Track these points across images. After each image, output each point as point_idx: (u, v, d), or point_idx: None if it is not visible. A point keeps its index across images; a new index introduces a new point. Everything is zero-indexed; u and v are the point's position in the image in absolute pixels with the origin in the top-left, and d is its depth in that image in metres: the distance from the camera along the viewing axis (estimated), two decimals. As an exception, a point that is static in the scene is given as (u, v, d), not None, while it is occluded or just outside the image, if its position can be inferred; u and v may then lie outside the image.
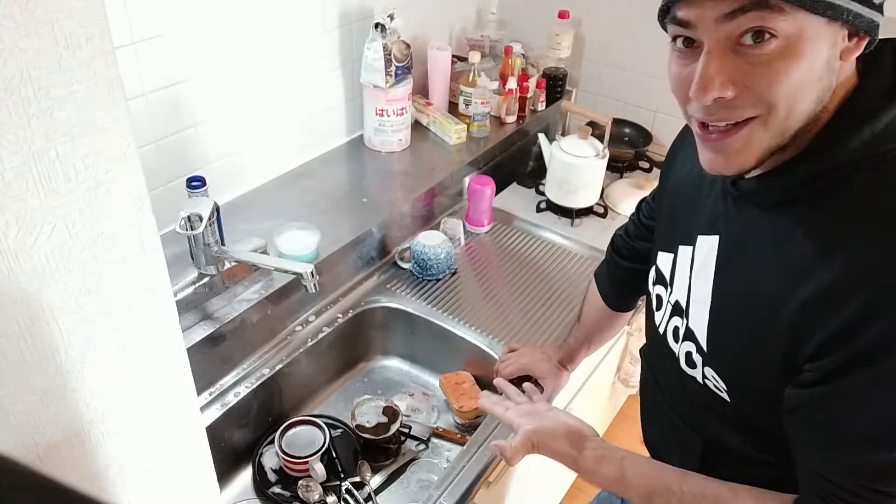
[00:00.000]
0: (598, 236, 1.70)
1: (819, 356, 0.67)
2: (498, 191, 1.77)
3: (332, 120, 1.71)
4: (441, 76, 1.87)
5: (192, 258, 1.21)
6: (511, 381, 1.29)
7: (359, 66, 1.65)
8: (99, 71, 0.49)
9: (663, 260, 0.90)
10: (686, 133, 0.93)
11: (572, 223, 1.74)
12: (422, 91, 1.90)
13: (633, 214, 1.15)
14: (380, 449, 1.31)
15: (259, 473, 1.27)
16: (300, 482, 1.23)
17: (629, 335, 1.82)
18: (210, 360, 1.24)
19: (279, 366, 1.32)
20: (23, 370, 0.52)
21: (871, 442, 0.67)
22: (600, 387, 1.86)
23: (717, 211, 0.79)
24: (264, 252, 1.29)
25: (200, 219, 1.12)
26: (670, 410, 0.93)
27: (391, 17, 1.59)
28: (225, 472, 1.28)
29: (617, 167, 1.95)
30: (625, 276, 1.15)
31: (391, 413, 1.33)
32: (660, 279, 0.91)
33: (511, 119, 1.93)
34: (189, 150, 1.37)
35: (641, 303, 1.21)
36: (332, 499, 1.21)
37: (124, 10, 1.15)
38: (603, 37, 2.04)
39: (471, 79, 1.85)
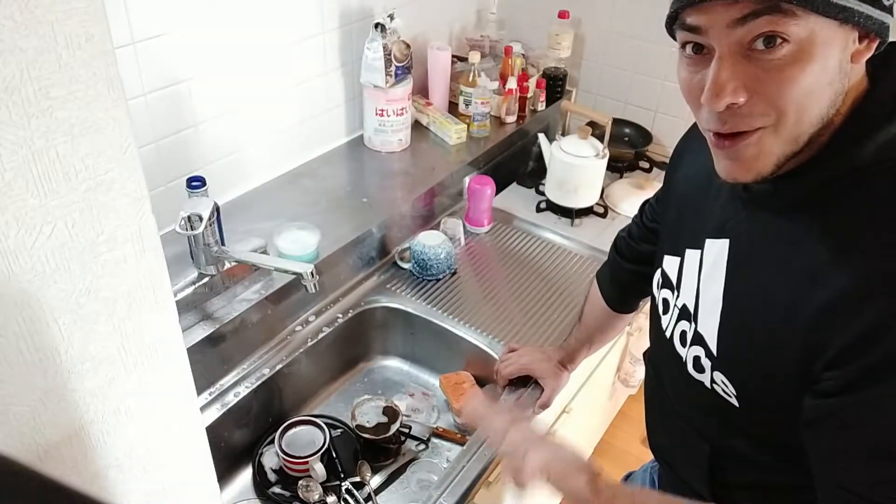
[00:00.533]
0: (598, 236, 1.70)
1: (839, 364, 0.65)
2: (498, 191, 1.77)
3: (332, 120, 1.71)
4: (441, 76, 1.87)
5: (192, 258, 1.21)
6: (511, 380, 1.29)
7: (359, 66, 1.65)
8: (99, 71, 0.49)
9: (669, 263, 0.89)
10: (690, 135, 0.92)
11: (572, 223, 1.74)
12: (422, 91, 1.90)
13: (636, 216, 1.13)
14: (380, 449, 1.31)
15: (259, 473, 1.27)
16: (300, 482, 1.23)
17: (630, 335, 1.82)
18: (210, 360, 1.24)
19: (279, 366, 1.32)
20: (23, 370, 0.52)
21: None
22: (600, 387, 1.86)
23: (726, 214, 0.78)
24: (264, 252, 1.29)
25: (200, 219, 1.13)
26: (677, 416, 0.92)
27: (391, 16, 1.59)
28: (225, 472, 1.28)
29: (617, 167, 1.94)
30: (627, 278, 1.14)
31: (391, 413, 1.33)
32: (666, 283, 0.90)
33: (511, 119, 1.93)
34: (189, 150, 1.37)
35: (643, 304, 1.21)
36: (332, 499, 1.21)
37: (124, 10, 1.16)
38: (603, 37, 2.04)
39: (471, 79, 1.85)
